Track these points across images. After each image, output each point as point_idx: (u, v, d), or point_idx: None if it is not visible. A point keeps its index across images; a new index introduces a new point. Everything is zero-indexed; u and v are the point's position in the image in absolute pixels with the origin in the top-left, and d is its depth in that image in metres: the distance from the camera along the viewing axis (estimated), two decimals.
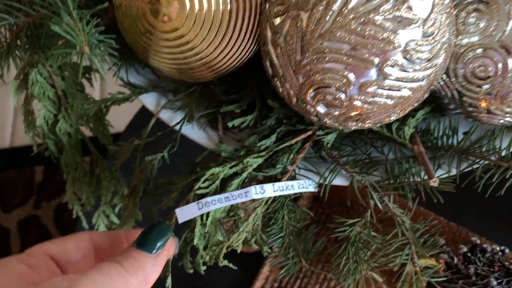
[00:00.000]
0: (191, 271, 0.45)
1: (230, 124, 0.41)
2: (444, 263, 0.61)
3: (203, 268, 0.44)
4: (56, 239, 0.31)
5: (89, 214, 0.59)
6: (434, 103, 0.42)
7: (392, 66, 0.31)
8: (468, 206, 0.69)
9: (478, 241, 0.61)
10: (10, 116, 1.33)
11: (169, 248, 0.31)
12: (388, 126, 0.41)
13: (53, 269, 0.29)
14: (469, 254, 0.59)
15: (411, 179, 0.42)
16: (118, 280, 0.27)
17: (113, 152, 0.46)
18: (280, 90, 0.36)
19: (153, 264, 0.29)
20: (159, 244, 0.30)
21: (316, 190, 0.41)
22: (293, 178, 0.41)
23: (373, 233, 0.43)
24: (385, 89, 0.32)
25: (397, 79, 0.32)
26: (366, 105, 0.33)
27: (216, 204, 0.34)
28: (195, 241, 0.38)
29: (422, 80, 0.32)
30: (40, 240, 0.31)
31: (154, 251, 0.30)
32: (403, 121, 0.42)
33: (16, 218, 1.19)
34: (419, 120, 0.41)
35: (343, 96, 0.33)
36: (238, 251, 0.42)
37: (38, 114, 0.51)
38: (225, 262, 0.40)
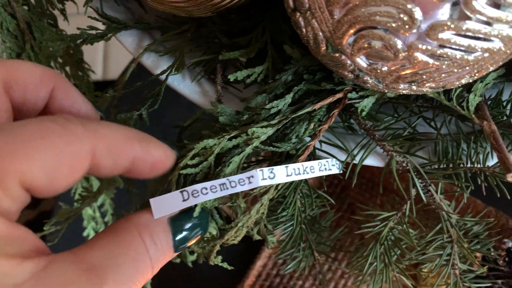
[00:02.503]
0: (178, 260, 0.36)
1: (231, 77, 0.31)
2: (481, 256, 0.51)
3: (191, 259, 0.35)
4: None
5: None
6: (508, 62, 0.31)
7: None
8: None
9: None
10: None
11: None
12: (446, 91, 0.30)
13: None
14: None
15: (469, 165, 0.31)
16: (144, 276, 0.21)
17: None
18: (304, 31, 0.25)
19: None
20: (185, 246, 0.24)
21: (341, 171, 0.30)
22: (312, 156, 0.31)
23: (410, 230, 0.33)
24: (466, 36, 0.21)
25: (488, 21, 0.21)
26: (432, 60, 0.22)
27: (208, 194, 0.24)
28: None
29: None
30: None
31: (177, 252, 0.24)
32: (465, 85, 0.31)
33: None
34: (489, 86, 0.30)
35: (399, 43, 0.22)
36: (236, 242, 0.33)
37: None
38: (218, 261, 0.30)
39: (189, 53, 0.34)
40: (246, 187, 0.25)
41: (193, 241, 0.24)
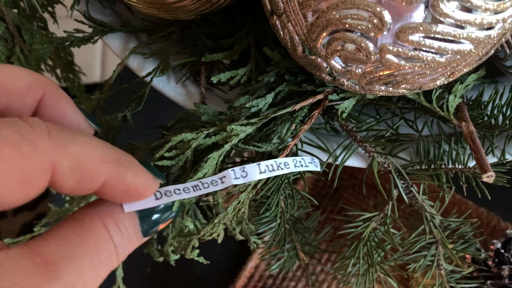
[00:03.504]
0: (161, 259, 0.37)
1: (214, 79, 0.31)
2: (471, 257, 0.51)
3: (174, 258, 0.36)
4: None
5: None
6: (489, 63, 0.31)
7: (449, 0, 0.20)
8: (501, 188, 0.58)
9: None
10: None
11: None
12: (426, 93, 0.31)
13: None
14: (502, 251, 0.49)
15: (451, 166, 0.31)
16: (108, 264, 0.20)
17: None
18: (281, 34, 0.25)
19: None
20: (155, 230, 0.23)
21: (319, 169, 0.30)
22: (294, 155, 0.31)
23: (392, 230, 0.34)
24: (436, 39, 0.21)
25: (457, 24, 0.21)
26: (404, 62, 0.22)
27: (181, 194, 0.24)
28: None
29: (494, 27, 0.21)
30: None
31: (147, 236, 0.23)
32: (446, 87, 0.31)
33: None
34: (469, 87, 0.30)
35: (371, 46, 0.22)
36: (219, 241, 0.33)
37: None
38: (194, 255, 0.31)
39: (174, 55, 0.34)
40: (219, 187, 0.25)
41: (164, 225, 0.24)
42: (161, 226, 0.24)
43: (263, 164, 0.26)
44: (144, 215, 0.22)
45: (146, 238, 0.23)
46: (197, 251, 0.32)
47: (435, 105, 0.30)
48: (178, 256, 0.34)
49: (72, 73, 0.48)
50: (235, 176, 0.25)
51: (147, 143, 0.31)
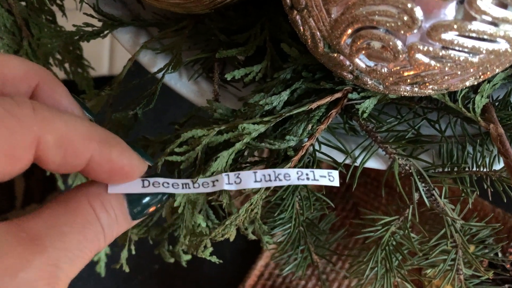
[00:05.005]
0: (172, 260, 0.36)
1: (228, 76, 0.30)
2: (487, 261, 0.50)
3: (186, 258, 0.35)
4: None
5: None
6: None
7: None
8: None
9: None
10: None
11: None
12: (451, 92, 0.29)
13: None
14: None
15: (475, 169, 0.30)
16: (94, 244, 0.20)
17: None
18: (301, 30, 0.24)
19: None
20: (145, 213, 0.23)
21: (336, 184, 0.27)
22: (311, 157, 0.30)
23: (411, 235, 0.32)
24: (470, 37, 0.20)
25: (493, 21, 0.19)
26: (434, 62, 0.21)
27: (169, 188, 0.23)
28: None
29: None
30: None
31: (136, 219, 0.23)
32: (472, 86, 0.30)
33: None
34: (496, 87, 0.29)
35: (399, 44, 0.21)
36: (231, 240, 0.32)
37: None
38: (206, 255, 0.30)
39: (186, 50, 0.33)
40: (209, 190, 0.24)
41: (154, 208, 0.23)
42: (152, 208, 0.23)
43: (260, 172, 0.25)
44: (132, 198, 0.22)
45: (135, 222, 0.23)
46: (209, 249, 0.31)
47: (461, 105, 0.28)
48: (190, 257, 0.33)
49: (80, 67, 0.46)
50: (228, 181, 0.24)
51: (159, 137, 0.30)
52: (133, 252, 0.35)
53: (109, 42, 1.00)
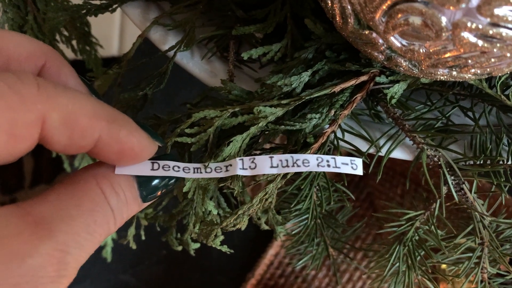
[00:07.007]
0: (179, 248, 0.34)
1: (245, 55, 0.28)
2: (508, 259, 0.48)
3: (195, 247, 0.33)
4: None
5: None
6: None
7: None
8: None
9: None
10: None
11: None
12: (488, 78, 0.27)
13: None
14: None
15: (510, 162, 0.28)
16: (103, 227, 0.19)
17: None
18: (329, 4, 0.21)
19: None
20: (155, 195, 0.22)
21: (360, 172, 0.26)
22: (332, 145, 0.28)
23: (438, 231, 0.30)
24: None
25: None
26: (482, 42, 0.18)
27: (180, 172, 0.22)
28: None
29: None
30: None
31: (146, 202, 0.22)
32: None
33: None
34: None
35: (443, 20, 0.18)
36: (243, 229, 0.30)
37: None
38: (217, 244, 0.28)
39: (200, 27, 0.31)
40: (221, 175, 0.23)
41: (164, 190, 0.22)
42: (161, 191, 0.22)
43: (277, 157, 0.23)
44: (143, 180, 0.21)
45: (146, 204, 0.22)
46: (220, 238, 0.30)
47: (499, 92, 0.26)
48: (198, 245, 0.31)
49: (88, 45, 0.44)
50: (242, 166, 0.22)
51: (170, 115, 0.28)
52: (143, 238, 0.33)
53: (119, 22, 0.97)
